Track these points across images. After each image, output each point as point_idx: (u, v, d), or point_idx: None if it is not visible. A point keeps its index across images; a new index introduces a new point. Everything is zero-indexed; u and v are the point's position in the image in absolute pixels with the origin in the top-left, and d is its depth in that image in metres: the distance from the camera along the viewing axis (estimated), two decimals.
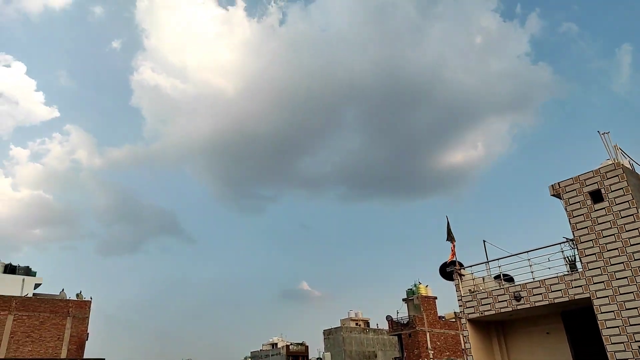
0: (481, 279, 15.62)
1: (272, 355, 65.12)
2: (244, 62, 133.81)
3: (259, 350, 69.13)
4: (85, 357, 27.91)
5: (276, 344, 69.17)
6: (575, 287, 11.90)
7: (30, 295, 28.47)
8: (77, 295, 29.60)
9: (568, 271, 12.51)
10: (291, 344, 65.75)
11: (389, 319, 41.25)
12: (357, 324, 63.99)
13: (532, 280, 13.09)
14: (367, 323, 65.79)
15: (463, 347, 35.10)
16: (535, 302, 12.72)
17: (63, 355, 27.32)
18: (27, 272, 29.88)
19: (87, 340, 28.82)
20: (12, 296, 26.61)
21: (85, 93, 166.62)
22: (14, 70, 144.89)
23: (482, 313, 14.14)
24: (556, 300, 12.24)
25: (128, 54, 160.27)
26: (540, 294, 12.64)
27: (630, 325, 10.79)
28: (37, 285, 30.06)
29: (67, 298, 29.06)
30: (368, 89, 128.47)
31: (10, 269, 29.41)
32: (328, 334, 61.77)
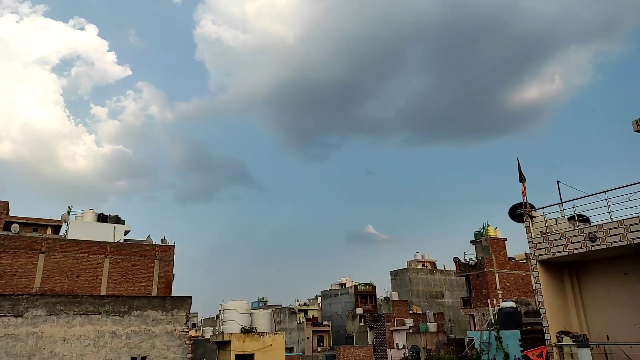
0: (553, 220, 15.19)
1: (340, 294, 68.01)
2: (302, 8, 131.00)
3: (328, 289, 72.37)
4: (173, 294, 30.85)
5: (344, 284, 72.00)
6: None
7: (121, 241, 31.49)
8: (162, 240, 32.28)
9: None
10: (359, 284, 68.13)
11: (456, 260, 41.34)
12: (423, 265, 64.75)
13: (609, 220, 12.55)
14: (433, 264, 66.36)
15: (534, 288, 34.68)
16: (612, 242, 12.27)
17: (153, 293, 30.36)
18: (117, 220, 32.86)
19: (173, 280, 31.70)
20: (107, 242, 29.57)
21: (153, 50, 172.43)
22: (88, 33, 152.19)
23: (553, 254, 13.88)
24: (635, 241, 11.73)
25: (189, 8, 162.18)
26: (619, 234, 12.14)
27: None
28: (126, 232, 33.08)
29: (154, 243, 31.82)
30: (432, 27, 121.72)
31: (102, 218, 32.48)
32: (395, 274, 63.19)
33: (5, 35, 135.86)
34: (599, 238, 12.60)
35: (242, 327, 22.28)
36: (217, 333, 27.20)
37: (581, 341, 4.94)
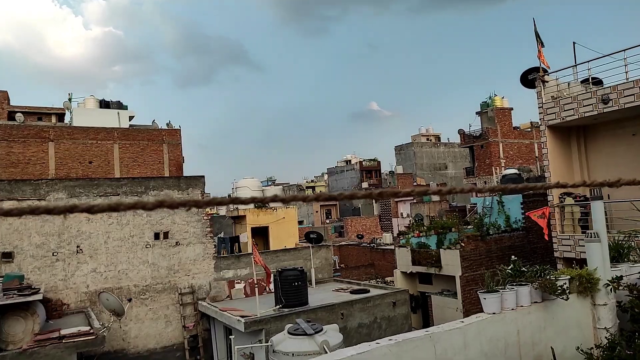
0: (566, 84, 14.83)
1: (346, 170, 69.96)
2: None
3: (334, 167, 74.27)
4: (184, 176, 31.80)
5: (350, 160, 73.64)
6: None
7: (127, 126, 31.57)
8: (167, 124, 32.34)
9: None
10: (364, 160, 69.67)
11: (461, 132, 41.58)
12: (428, 139, 65.38)
13: (625, 81, 12.22)
14: (438, 138, 66.97)
15: (536, 155, 35.29)
16: (625, 103, 12.09)
17: (166, 175, 31.31)
18: (120, 106, 32.58)
19: (183, 162, 32.44)
20: (114, 128, 29.67)
21: None
22: None
23: (563, 119, 13.81)
24: None
25: None
26: (633, 95, 11.90)
27: None
28: (130, 118, 33.02)
29: (160, 127, 31.93)
30: None
31: (104, 104, 32.18)
32: (399, 149, 64.19)
33: None
34: (612, 100, 12.39)
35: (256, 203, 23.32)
36: (232, 209, 28.57)
37: (595, 196, 5.08)
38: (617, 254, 5.55)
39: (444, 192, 1.02)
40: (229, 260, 18.05)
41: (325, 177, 76.65)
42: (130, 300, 15.40)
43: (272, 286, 15.45)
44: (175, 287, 16.54)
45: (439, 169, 62.49)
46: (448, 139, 65.61)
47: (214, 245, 18.03)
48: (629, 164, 13.56)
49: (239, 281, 17.48)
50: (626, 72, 12.19)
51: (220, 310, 14.75)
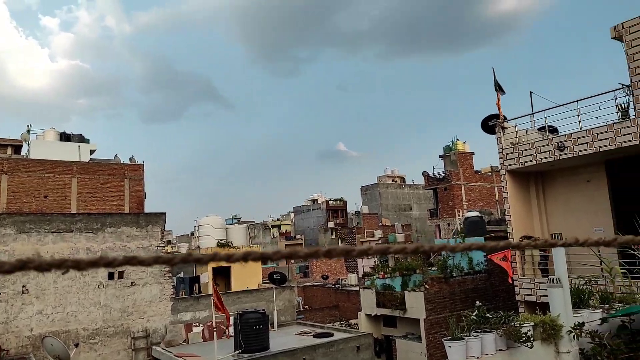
0: (524, 131, 15.43)
1: (313, 209, 69.78)
2: None
3: (300, 205, 74.00)
4: (144, 212, 30.81)
5: (316, 199, 73.64)
6: (624, 134, 11.61)
7: (88, 160, 30.59)
8: (130, 159, 31.56)
9: (619, 119, 12.10)
10: (330, 200, 69.81)
11: (425, 174, 42.45)
12: (393, 180, 66.42)
13: (578, 130, 12.82)
14: (403, 179, 68.15)
15: (497, 198, 36.29)
16: (579, 151, 12.62)
17: (126, 211, 30.25)
18: (81, 139, 31.67)
19: (145, 198, 31.51)
20: (73, 161, 28.67)
21: None
22: None
23: (522, 164, 14.27)
24: (602, 149, 12.09)
25: None
26: (586, 143, 12.46)
27: None
28: (92, 152, 32.07)
29: (122, 162, 31.09)
30: None
31: (65, 137, 31.21)
32: (365, 189, 64.81)
33: None
34: (567, 147, 12.92)
35: (218, 242, 22.70)
36: (193, 248, 27.70)
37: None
38: (579, 300, 5.56)
39: (408, 251, 0.90)
40: (188, 302, 17.28)
41: (292, 215, 76.13)
42: (77, 345, 14.36)
43: (232, 329, 14.79)
44: (128, 331, 15.59)
45: (404, 209, 63.25)
46: (413, 180, 66.90)
47: (172, 285, 17.27)
48: (584, 209, 14.03)
49: (197, 324, 16.68)
50: (579, 122, 12.80)
51: (175, 355, 13.94)
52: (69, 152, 29.94)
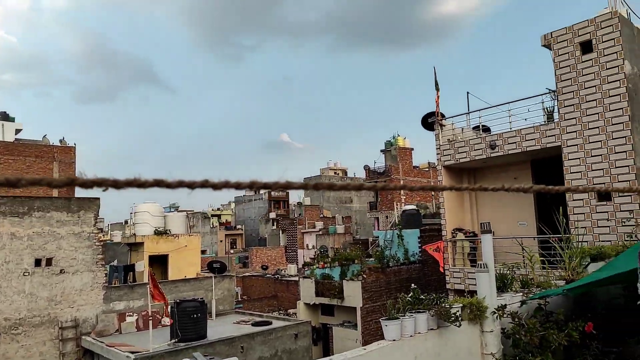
0: (460, 129, 16.23)
1: (254, 199, 69.25)
2: None
3: (242, 195, 73.15)
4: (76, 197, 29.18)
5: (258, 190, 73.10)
6: (549, 136, 12.57)
7: (12, 140, 28.47)
8: (61, 141, 29.74)
9: (545, 122, 13.06)
10: (272, 191, 69.56)
11: (366, 168, 43.42)
12: (335, 172, 67.34)
13: (508, 130, 13.69)
14: (345, 172, 69.25)
15: (433, 193, 37.81)
16: (509, 150, 13.50)
17: (54, 196, 28.51)
18: (5, 117, 29.42)
19: None
20: None
21: None
22: None
23: (457, 160, 15.04)
24: (529, 149, 13.01)
25: None
26: (515, 142, 13.35)
27: (592, 170, 11.75)
28: (17, 131, 29.89)
29: (51, 144, 29.23)
30: None
31: None
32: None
33: None
34: (498, 146, 13.77)
35: (156, 229, 22.03)
36: (128, 236, 26.68)
37: (485, 230, 5.53)
38: (502, 284, 6.03)
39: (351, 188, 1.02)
40: (122, 291, 16.69)
41: (233, 205, 75.12)
42: None
43: (168, 319, 14.49)
44: (56, 321, 14.83)
45: (345, 202, 64.36)
46: (354, 173, 68.16)
47: (105, 274, 16.60)
48: (511, 204, 15.04)
49: (131, 313, 16.17)
50: (510, 122, 13.68)
51: (107, 345, 13.46)
52: None
